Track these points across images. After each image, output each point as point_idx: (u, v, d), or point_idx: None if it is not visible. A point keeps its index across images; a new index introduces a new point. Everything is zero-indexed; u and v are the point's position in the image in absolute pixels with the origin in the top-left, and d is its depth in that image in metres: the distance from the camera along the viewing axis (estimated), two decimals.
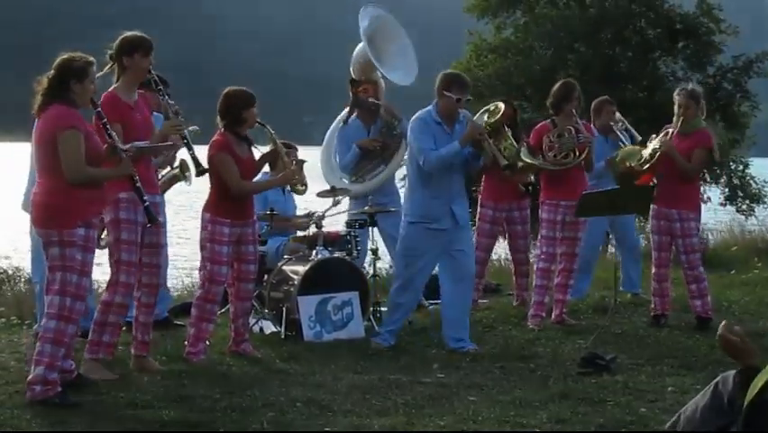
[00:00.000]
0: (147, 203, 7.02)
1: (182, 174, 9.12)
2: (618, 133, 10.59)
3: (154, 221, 7.11)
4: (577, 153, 9.44)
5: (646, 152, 9.51)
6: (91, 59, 6.79)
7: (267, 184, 8.56)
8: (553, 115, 9.70)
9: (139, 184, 6.95)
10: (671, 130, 9.48)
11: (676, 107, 9.54)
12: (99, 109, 6.90)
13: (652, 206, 9.58)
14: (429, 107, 8.65)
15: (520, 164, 9.46)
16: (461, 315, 8.66)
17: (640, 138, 10.38)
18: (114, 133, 6.89)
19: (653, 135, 9.64)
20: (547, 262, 9.61)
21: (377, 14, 10.85)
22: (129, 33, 7.55)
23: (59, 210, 6.55)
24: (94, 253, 6.75)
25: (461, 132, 8.52)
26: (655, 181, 9.56)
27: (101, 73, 7.46)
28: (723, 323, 4.98)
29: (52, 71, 6.67)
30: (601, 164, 10.42)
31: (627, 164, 9.65)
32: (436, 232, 8.52)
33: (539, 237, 9.76)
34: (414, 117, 8.69)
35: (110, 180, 6.93)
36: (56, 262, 6.57)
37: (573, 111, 9.54)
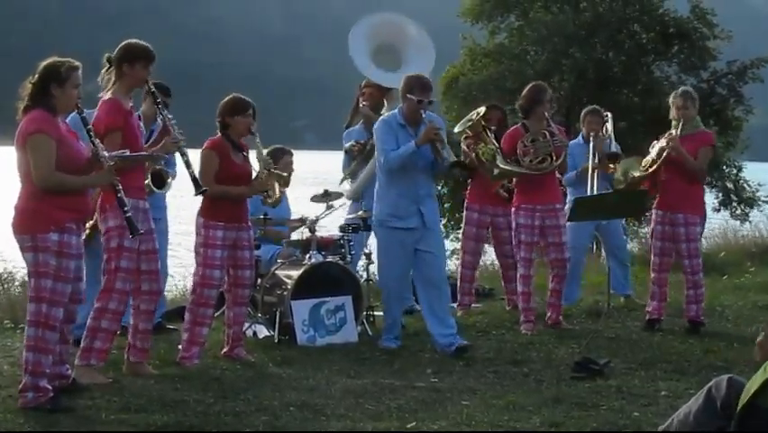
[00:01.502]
0: (129, 213, 6.88)
1: (153, 186, 8.74)
2: (596, 144, 10.51)
3: (135, 232, 6.95)
4: (554, 158, 9.42)
5: (652, 153, 9.48)
6: (76, 63, 6.71)
7: (230, 189, 8.15)
8: (524, 119, 9.63)
9: (121, 194, 6.83)
10: (673, 131, 9.44)
11: (674, 110, 9.50)
12: (84, 114, 6.84)
13: (656, 211, 9.57)
14: (395, 111, 8.79)
15: (496, 171, 9.45)
16: (444, 315, 8.70)
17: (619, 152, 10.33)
18: (98, 141, 6.81)
19: (654, 142, 9.63)
20: (527, 269, 9.56)
21: (382, 21, 10.88)
22: (133, 41, 7.52)
23: (31, 215, 6.50)
24: (78, 259, 6.68)
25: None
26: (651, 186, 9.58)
27: (100, 78, 7.45)
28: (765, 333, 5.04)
29: (35, 76, 6.61)
30: (572, 174, 10.43)
31: (632, 174, 9.63)
32: (405, 232, 8.61)
33: (517, 243, 9.65)
34: (379, 120, 8.87)
35: (86, 188, 6.85)
36: (30, 268, 6.54)
37: (545, 114, 9.52)
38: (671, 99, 9.65)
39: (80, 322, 7.27)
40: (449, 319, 8.71)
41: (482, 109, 9.76)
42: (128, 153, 7.04)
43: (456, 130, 10.35)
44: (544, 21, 25.94)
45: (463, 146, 10.19)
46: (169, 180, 8.69)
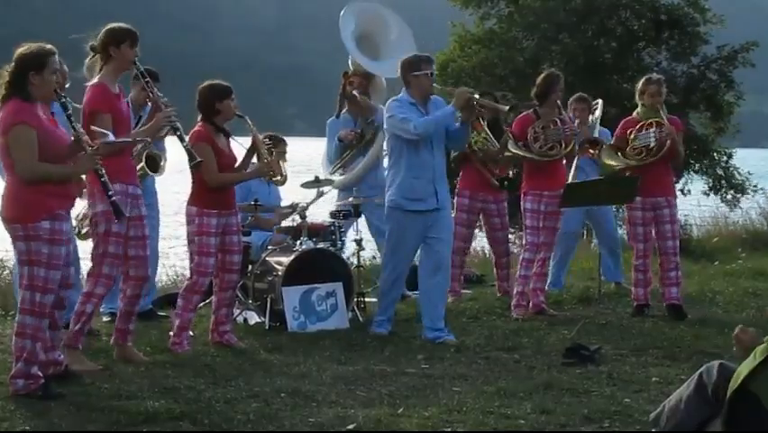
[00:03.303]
0: (113, 197, 6.87)
1: (149, 169, 8.80)
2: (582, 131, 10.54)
3: (120, 215, 6.94)
4: (563, 145, 9.47)
5: (650, 143, 9.43)
6: (50, 47, 6.60)
7: (242, 176, 8.45)
8: (537, 106, 9.70)
9: (105, 178, 6.80)
10: (652, 120, 9.45)
11: (648, 98, 9.52)
12: (64, 100, 6.78)
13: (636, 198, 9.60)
14: (401, 94, 8.76)
15: (507, 154, 9.57)
16: (438, 305, 8.69)
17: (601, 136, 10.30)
18: (80, 126, 6.79)
19: (630, 130, 9.59)
20: (532, 253, 9.62)
21: (365, 9, 10.86)
22: (115, 24, 7.53)
23: (22, 204, 6.46)
24: (67, 245, 6.66)
25: (434, 111, 8.64)
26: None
27: (85, 67, 7.45)
28: (739, 326, 5.04)
29: (12, 64, 6.52)
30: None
31: (622, 164, 9.63)
32: (418, 215, 8.58)
33: (524, 228, 9.75)
34: (389, 101, 8.81)
35: (70, 177, 6.80)
36: (23, 256, 6.50)
37: (557, 102, 9.58)
38: (641, 85, 9.66)
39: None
40: (442, 311, 8.69)
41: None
42: (112, 138, 6.99)
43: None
44: (533, 7, 25.84)
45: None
46: (162, 163, 8.67)
